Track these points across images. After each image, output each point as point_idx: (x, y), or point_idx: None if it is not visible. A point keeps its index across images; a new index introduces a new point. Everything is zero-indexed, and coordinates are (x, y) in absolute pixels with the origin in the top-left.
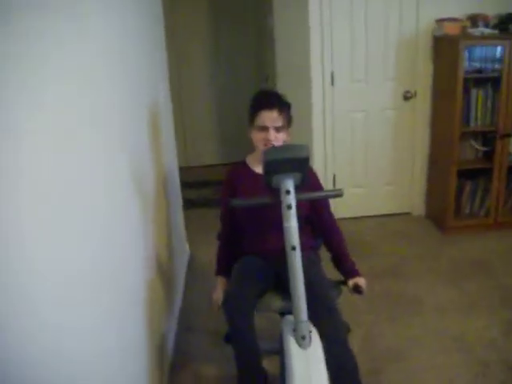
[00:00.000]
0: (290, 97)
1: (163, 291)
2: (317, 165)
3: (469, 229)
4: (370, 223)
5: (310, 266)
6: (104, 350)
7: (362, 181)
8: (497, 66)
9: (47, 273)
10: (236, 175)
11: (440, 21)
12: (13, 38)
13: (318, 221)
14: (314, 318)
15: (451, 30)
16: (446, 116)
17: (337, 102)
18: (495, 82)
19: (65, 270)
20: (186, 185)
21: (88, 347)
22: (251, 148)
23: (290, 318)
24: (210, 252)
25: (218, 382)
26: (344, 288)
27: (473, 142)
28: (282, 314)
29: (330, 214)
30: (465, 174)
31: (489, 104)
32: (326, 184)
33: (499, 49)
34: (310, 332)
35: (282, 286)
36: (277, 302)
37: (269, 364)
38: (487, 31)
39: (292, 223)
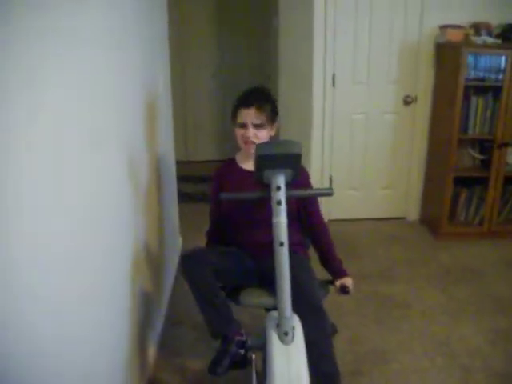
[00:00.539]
0: (291, 96)
1: (151, 283)
2: (314, 166)
3: (462, 236)
4: (364, 226)
5: (297, 263)
6: (79, 338)
7: (359, 183)
8: (500, 76)
9: (25, 261)
10: (224, 172)
11: (443, 27)
12: (13, 38)
13: (307, 220)
14: (298, 316)
15: (454, 36)
16: (445, 122)
17: (337, 103)
18: (496, 90)
19: (47, 255)
20: (184, 179)
21: (61, 334)
22: None
23: (274, 313)
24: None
25: (203, 375)
26: (332, 288)
27: (470, 150)
28: (269, 309)
29: (319, 214)
30: (461, 182)
31: (488, 113)
32: (323, 185)
33: (503, 58)
34: (293, 328)
35: (268, 282)
36: (262, 298)
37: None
38: (490, 40)
39: (281, 219)
